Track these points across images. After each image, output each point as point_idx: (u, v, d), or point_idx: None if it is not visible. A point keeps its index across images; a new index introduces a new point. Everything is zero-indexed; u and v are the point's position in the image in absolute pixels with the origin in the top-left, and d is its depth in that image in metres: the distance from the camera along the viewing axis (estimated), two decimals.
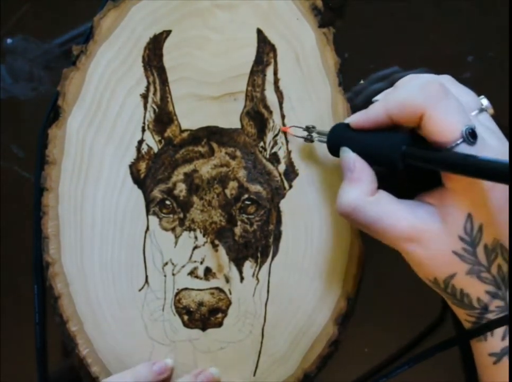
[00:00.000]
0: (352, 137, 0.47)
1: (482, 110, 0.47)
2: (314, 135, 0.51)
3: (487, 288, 0.45)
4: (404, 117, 0.44)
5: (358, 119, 0.47)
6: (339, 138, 0.48)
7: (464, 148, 0.42)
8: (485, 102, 0.48)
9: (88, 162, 0.52)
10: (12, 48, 0.56)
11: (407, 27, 0.56)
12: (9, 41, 0.56)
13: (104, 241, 0.52)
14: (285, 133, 0.53)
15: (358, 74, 0.55)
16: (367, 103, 0.50)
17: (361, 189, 0.45)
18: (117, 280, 0.52)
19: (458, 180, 0.43)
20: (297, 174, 0.53)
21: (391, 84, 0.48)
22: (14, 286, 0.54)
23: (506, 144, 0.46)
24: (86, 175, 0.52)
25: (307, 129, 0.51)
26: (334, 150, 0.49)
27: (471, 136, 0.42)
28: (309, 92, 0.53)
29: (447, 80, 0.48)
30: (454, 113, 0.43)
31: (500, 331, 0.46)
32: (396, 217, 0.45)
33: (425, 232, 0.44)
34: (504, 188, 0.43)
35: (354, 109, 0.52)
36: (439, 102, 0.43)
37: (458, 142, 0.42)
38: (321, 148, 0.51)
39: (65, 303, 0.51)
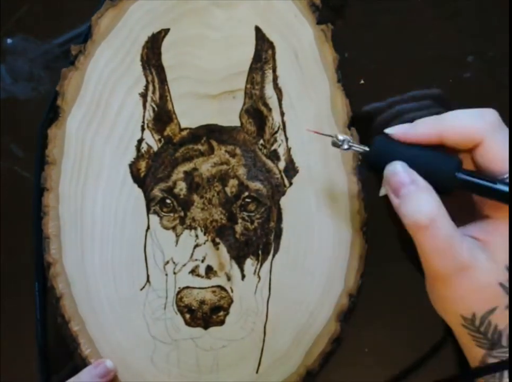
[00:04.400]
0: (400, 152, 0.45)
1: None
2: (350, 144, 0.47)
3: None
4: (459, 141, 0.43)
5: (406, 131, 0.45)
6: (385, 152, 0.46)
7: None
8: None
9: (88, 161, 0.52)
10: (12, 48, 0.56)
11: (407, 27, 0.55)
12: (9, 41, 0.56)
13: (105, 241, 0.52)
14: (284, 130, 0.53)
15: (358, 74, 0.55)
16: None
17: (437, 197, 0.43)
18: (118, 279, 0.52)
19: (506, 210, 0.43)
20: (297, 171, 0.53)
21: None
22: (14, 286, 0.54)
23: None
24: (86, 174, 0.52)
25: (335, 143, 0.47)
26: (377, 165, 0.46)
27: None
28: (308, 89, 0.52)
29: None
30: (508, 144, 0.43)
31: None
32: (461, 241, 0.43)
33: (476, 262, 0.43)
34: None
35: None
36: (497, 132, 0.43)
37: None
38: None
39: (67, 303, 0.51)
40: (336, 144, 0.47)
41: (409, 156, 0.44)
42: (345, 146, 0.46)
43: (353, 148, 0.47)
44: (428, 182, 0.43)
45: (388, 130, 0.45)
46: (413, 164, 0.44)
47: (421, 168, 0.44)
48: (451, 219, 0.43)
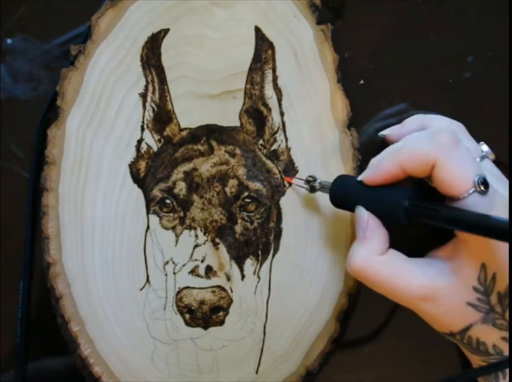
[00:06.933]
0: (357, 191, 0.46)
1: (483, 156, 0.47)
2: (316, 184, 0.50)
3: (503, 334, 0.44)
4: (416, 167, 0.43)
5: (370, 175, 0.45)
6: (343, 191, 0.48)
7: (476, 198, 0.41)
8: (485, 147, 0.47)
9: (87, 161, 0.52)
10: (12, 48, 0.56)
11: (407, 27, 0.55)
12: (9, 41, 0.56)
13: (105, 241, 0.52)
14: (284, 130, 0.53)
15: (358, 74, 0.55)
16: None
17: (371, 248, 0.44)
18: (118, 279, 0.52)
19: None
20: (296, 171, 0.53)
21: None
22: (14, 286, 0.54)
23: None
24: (85, 175, 0.52)
25: (307, 182, 0.51)
26: (337, 202, 0.48)
27: (483, 185, 0.42)
28: (307, 89, 0.52)
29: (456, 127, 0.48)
30: (466, 162, 0.42)
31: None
32: (407, 277, 0.44)
33: (438, 290, 0.43)
34: None
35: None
36: (450, 152, 0.42)
37: (470, 192, 0.41)
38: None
39: (67, 303, 0.51)
40: (310, 190, 0.51)
41: (363, 195, 0.46)
42: (315, 188, 0.50)
43: (320, 189, 0.50)
44: (384, 219, 0.45)
45: (359, 177, 0.46)
46: (366, 204, 0.45)
47: (374, 206, 0.45)
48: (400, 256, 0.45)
